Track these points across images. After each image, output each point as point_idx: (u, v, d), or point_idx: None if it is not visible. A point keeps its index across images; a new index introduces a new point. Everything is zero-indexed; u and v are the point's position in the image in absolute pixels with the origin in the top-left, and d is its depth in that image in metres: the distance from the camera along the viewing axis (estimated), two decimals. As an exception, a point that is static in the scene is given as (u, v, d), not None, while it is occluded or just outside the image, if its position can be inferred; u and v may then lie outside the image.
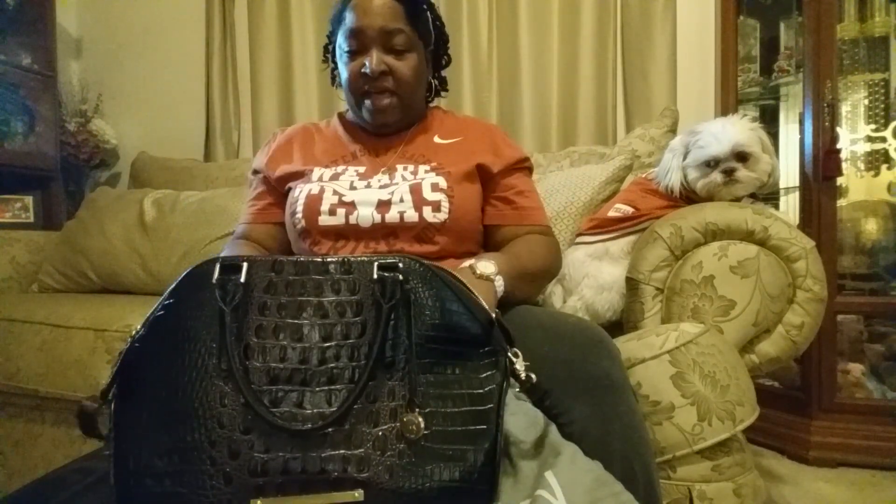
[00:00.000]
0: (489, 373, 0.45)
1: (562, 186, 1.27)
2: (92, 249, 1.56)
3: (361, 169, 0.86)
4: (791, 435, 1.42)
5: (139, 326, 0.43)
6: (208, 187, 1.77)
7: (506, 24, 1.85)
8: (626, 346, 0.81)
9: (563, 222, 1.23)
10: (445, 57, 0.98)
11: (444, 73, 1.00)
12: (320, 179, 0.84)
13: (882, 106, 1.53)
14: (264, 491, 0.38)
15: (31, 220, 1.98)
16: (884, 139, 1.51)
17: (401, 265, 0.46)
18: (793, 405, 1.44)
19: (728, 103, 1.61)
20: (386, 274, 0.44)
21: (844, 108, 1.53)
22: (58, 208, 2.01)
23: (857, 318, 1.49)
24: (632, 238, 1.10)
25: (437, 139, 0.91)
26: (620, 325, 1.07)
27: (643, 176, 1.20)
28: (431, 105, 1.00)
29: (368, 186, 0.81)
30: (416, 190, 0.80)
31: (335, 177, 0.84)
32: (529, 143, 1.80)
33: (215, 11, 2.08)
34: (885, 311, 1.50)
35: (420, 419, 0.41)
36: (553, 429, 0.54)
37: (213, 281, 0.43)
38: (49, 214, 2.00)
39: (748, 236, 0.93)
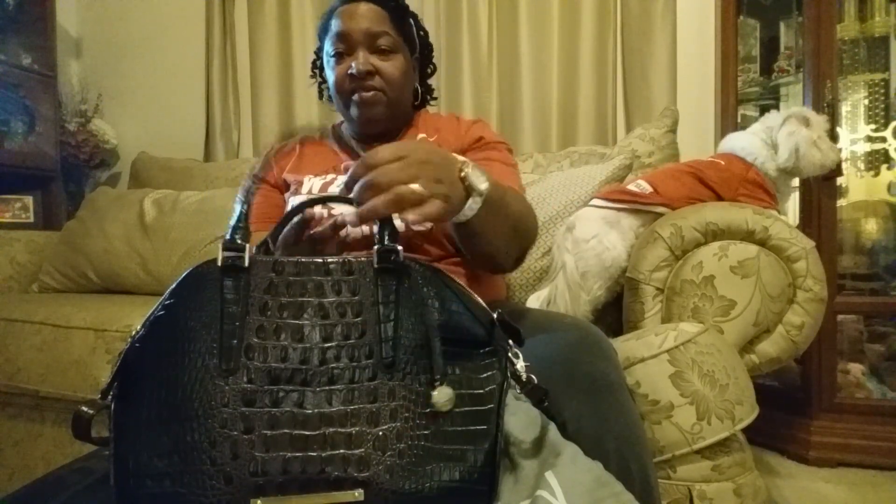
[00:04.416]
0: (489, 373, 0.46)
1: (562, 186, 1.27)
2: (92, 249, 1.56)
3: None
4: (791, 435, 1.42)
5: (139, 326, 0.43)
6: (208, 187, 1.77)
7: (506, 24, 1.85)
8: (625, 345, 0.81)
9: (562, 223, 1.22)
10: (431, 66, 1.01)
11: (430, 81, 1.02)
12: (310, 192, 0.85)
13: (882, 106, 1.53)
14: (264, 491, 0.38)
15: (31, 220, 1.98)
16: (884, 139, 1.50)
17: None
18: (793, 405, 1.44)
19: (728, 103, 1.61)
20: (386, 264, 0.45)
21: (844, 108, 1.53)
22: (58, 208, 2.02)
23: (857, 318, 1.49)
24: (642, 220, 1.10)
25: (419, 136, 0.93)
26: (619, 325, 1.07)
27: (718, 155, 1.18)
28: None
29: None
30: None
31: (325, 188, 0.85)
32: (529, 143, 1.80)
33: (215, 11, 2.08)
34: (885, 311, 1.50)
35: (447, 390, 0.41)
36: (553, 428, 0.54)
37: (214, 281, 0.43)
38: (49, 214, 2.00)
39: (748, 236, 0.93)
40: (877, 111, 1.53)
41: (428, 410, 0.42)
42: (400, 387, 0.42)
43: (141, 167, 1.97)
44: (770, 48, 1.70)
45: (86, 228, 1.61)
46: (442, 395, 0.41)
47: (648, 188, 1.11)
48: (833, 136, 1.37)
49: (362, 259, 0.46)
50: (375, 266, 0.46)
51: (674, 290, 0.95)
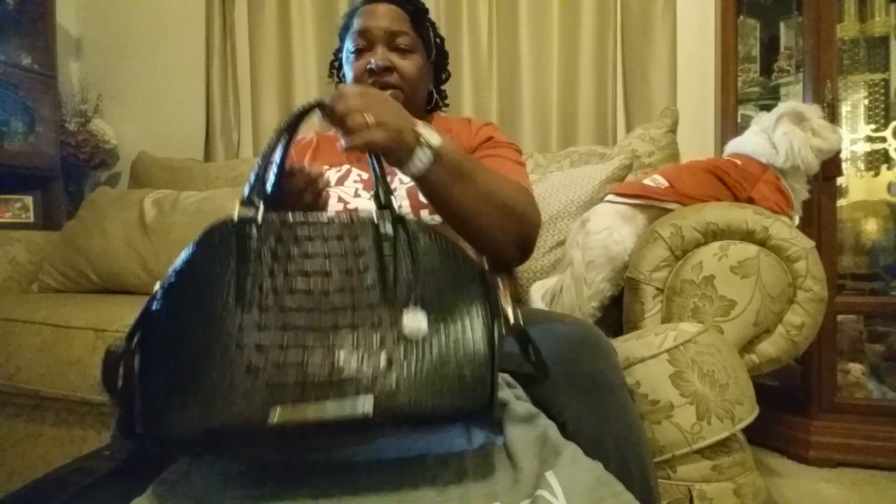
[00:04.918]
0: (483, 306, 0.48)
1: (562, 186, 1.27)
2: (92, 249, 1.56)
3: (365, 175, 0.89)
4: (791, 435, 1.42)
5: (157, 287, 0.46)
6: (208, 187, 1.77)
7: (506, 24, 1.85)
8: (625, 345, 0.81)
9: (562, 222, 1.23)
10: (445, 73, 1.05)
11: (444, 87, 1.06)
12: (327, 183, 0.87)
13: (882, 106, 1.53)
14: (282, 401, 0.41)
15: (31, 220, 1.98)
16: (884, 139, 1.51)
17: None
18: (793, 405, 1.44)
19: (728, 103, 1.61)
20: (384, 210, 0.50)
21: (844, 108, 1.53)
22: (58, 208, 2.01)
23: (857, 318, 1.49)
24: (655, 216, 1.10)
25: None
26: (619, 325, 1.07)
27: (732, 155, 1.19)
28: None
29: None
30: (412, 194, 0.83)
31: (340, 181, 0.88)
32: (529, 143, 1.80)
33: (215, 11, 2.09)
34: (885, 311, 1.50)
35: (420, 313, 0.45)
36: (553, 428, 0.54)
37: (229, 232, 0.47)
38: (49, 214, 2.00)
39: (748, 236, 0.93)
40: (877, 111, 1.53)
41: (431, 335, 0.45)
42: (401, 318, 0.45)
43: (141, 167, 1.97)
44: (770, 48, 1.70)
45: (86, 228, 1.61)
46: (413, 321, 0.45)
47: (664, 183, 1.11)
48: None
49: (363, 215, 0.51)
50: (374, 215, 0.50)
51: (674, 290, 0.95)
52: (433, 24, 0.98)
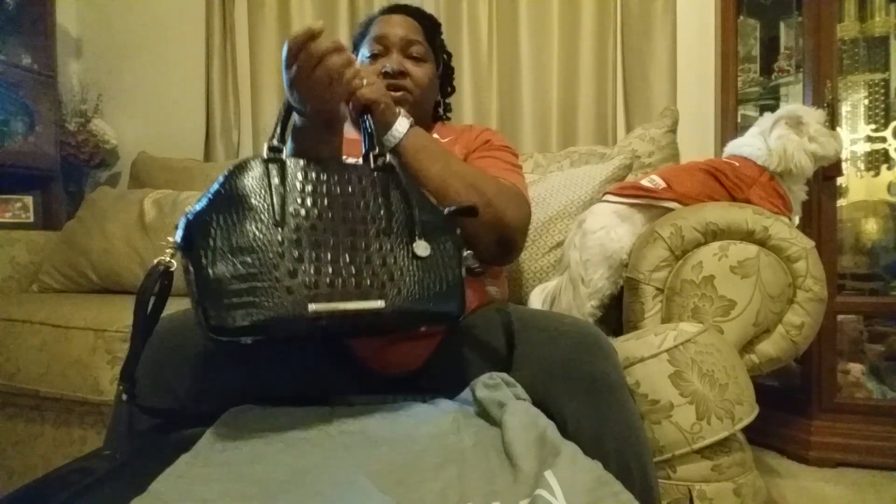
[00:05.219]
0: (452, 239, 0.64)
1: (562, 186, 1.27)
2: (92, 249, 1.56)
3: None
4: (791, 435, 1.42)
5: (192, 206, 0.55)
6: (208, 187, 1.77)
7: (506, 24, 1.85)
8: (625, 345, 0.81)
9: (562, 222, 1.23)
10: (451, 86, 1.12)
11: (449, 101, 1.12)
12: None
13: (882, 106, 1.53)
14: (317, 299, 0.53)
15: (31, 220, 1.98)
16: (884, 139, 1.50)
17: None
18: (793, 405, 1.44)
19: (728, 103, 1.61)
20: (377, 165, 0.63)
21: (844, 108, 1.53)
22: (58, 208, 2.01)
23: (857, 318, 1.49)
24: (653, 216, 1.10)
25: (434, 136, 0.96)
26: (619, 325, 1.07)
27: (730, 157, 1.20)
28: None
29: None
30: None
31: None
32: (529, 143, 1.80)
33: (215, 11, 2.08)
34: (885, 311, 1.50)
35: (424, 242, 0.61)
36: (553, 428, 0.54)
37: (260, 165, 0.56)
38: (49, 214, 2.00)
39: (748, 236, 0.93)
40: (877, 111, 1.53)
41: (417, 259, 0.60)
42: (397, 245, 0.59)
43: (141, 167, 1.97)
44: (770, 48, 1.70)
45: (86, 228, 1.61)
46: (420, 247, 0.60)
47: (662, 183, 1.12)
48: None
49: (360, 163, 0.63)
50: (372, 166, 0.62)
51: (674, 290, 0.95)
52: (444, 41, 1.04)
